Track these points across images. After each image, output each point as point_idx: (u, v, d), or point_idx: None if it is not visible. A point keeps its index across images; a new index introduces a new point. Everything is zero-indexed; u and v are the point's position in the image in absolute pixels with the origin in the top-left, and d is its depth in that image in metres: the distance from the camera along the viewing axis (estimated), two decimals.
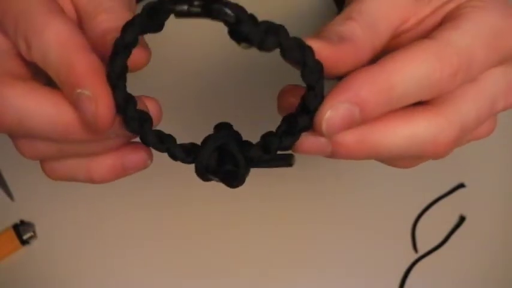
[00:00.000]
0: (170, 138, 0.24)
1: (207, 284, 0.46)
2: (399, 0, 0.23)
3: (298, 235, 0.47)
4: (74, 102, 0.21)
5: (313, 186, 0.48)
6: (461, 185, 0.48)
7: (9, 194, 0.46)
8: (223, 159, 0.24)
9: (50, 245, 0.46)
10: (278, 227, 0.47)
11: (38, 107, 0.22)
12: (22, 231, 0.45)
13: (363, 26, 0.22)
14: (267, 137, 0.24)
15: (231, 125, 0.25)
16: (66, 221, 0.46)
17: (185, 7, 0.20)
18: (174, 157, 0.24)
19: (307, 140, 0.23)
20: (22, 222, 0.46)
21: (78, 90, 0.21)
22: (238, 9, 0.20)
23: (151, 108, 0.24)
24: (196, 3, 0.20)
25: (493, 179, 0.48)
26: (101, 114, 0.21)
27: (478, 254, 0.47)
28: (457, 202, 0.48)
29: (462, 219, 0.48)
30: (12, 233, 0.45)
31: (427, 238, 0.47)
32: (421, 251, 0.47)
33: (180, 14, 0.20)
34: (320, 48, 0.22)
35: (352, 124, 0.21)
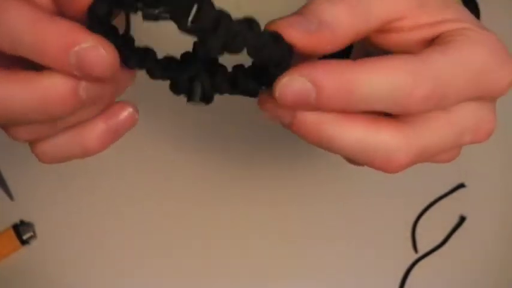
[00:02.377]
0: (172, 64, 0.23)
1: (208, 284, 0.46)
2: None
3: (298, 235, 0.47)
4: (75, 62, 0.21)
5: (312, 187, 0.48)
6: (461, 185, 0.48)
7: (9, 194, 0.46)
8: (194, 86, 0.23)
9: (50, 245, 0.46)
10: (278, 227, 0.47)
11: (24, 90, 0.21)
12: (22, 231, 0.45)
13: (351, 11, 0.22)
14: (238, 72, 0.23)
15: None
16: (66, 221, 0.46)
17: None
18: (152, 75, 0.23)
19: (268, 99, 0.23)
20: (22, 222, 0.46)
21: (77, 48, 0.20)
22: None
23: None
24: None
25: (493, 179, 0.48)
26: (110, 57, 0.21)
27: (478, 254, 0.47)
28: (457, 202, 0.48)
29: (462, 219, 0.48)
30: (12, 233, 0.45)
31: (427, 238, 0.47)
32: (421, 251, 0.47)
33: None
34: (295, 39, 0.21)
35: (304, 103, 0.21)
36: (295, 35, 0.21)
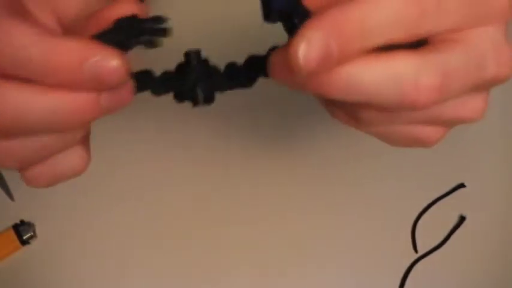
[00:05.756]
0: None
1: (209, 285, 0.46)
2: None
3: (297, 235, 0.47)
4: (91, 75, 0.21)
5: (312, 187, 0.48)
6: (461, 185, 0.48)
7: (9, 194, 0.46)
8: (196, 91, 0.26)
9: (50, 245, 0.46)
10: (278, 227, 0.47)
11: (40, 101, 0.21)
12: (22, 231, 0.45)
13: None
14: (231, 68, 0.26)
15: (199, 52, 0.25)
16: (66, 221, 0.46)
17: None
18: (156, 94, 0.25)
19: (280, 61, 0.23)
20: (22, 222, 0.46)
21: (92, 60, 0.20)
22: None
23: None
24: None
25: (493, 179, 0.48)
26: (121, 63, 0.21)
27: (478, 254, 0.47)
28: (457, 202, 0.48)
29: (462, 219, 0.48)
30: (12, 233, 0.45)
31: (427, 238, 0.47)
32: (421, 251, 0.47)
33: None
34: None
35: (329, 61, 0.20)
36: None
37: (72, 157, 0.25)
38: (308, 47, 0.20)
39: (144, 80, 0.25)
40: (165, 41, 0.24)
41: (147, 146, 0.47)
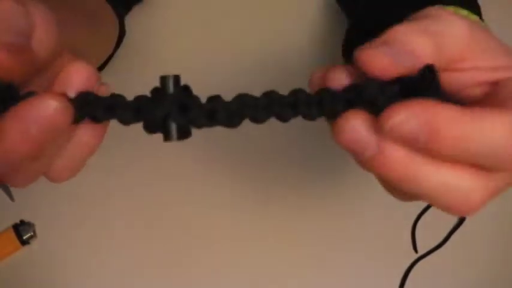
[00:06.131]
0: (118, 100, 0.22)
1: (209, 285, 0.47)
2: (473, 37, 0.22)
3: (298, 235, 0.47)
4: None
5: (312, 188, 0.48)
6: None
7: (9, 194, 0.46)
8: (168, 123, 0.21)
9: (50, 245, 0.46)
10: (278, 227, 0.47)
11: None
12: (22, 231, 0.45)
13: (435, 43, 0.21)
14: (216, 103, 0.21)
15: (178, 78, 0.22)
16: (66, 221, 0.46)
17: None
18: (124, 122, 0.22)
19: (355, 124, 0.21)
20: (22, 222, 0.46)
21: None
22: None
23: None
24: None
25: None
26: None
27: (478, 254, 0.47)
28: None
29: (462, 219, 0.48)
30: (12, 233, 0.45)
31: (427, 238, 0.47)
32: (421, 251, 0.47)
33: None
34: (382, 65, 0.21)
35: (411, 142, 0.20)
36: (384, 61, 0.21)
37: (83, 138, 0.24)
38: (406, 118, 0.20)
39: (111, 106, 0.21)
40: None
41: (148, 146, 0.47)
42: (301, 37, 0.49)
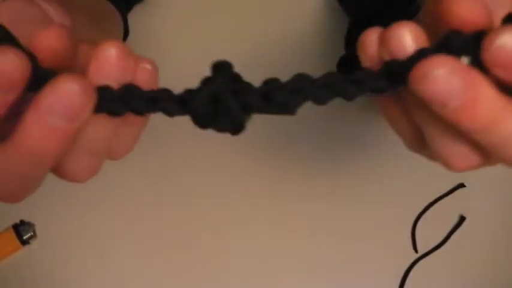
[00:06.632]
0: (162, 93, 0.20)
1: (209, 285, 0.47)
2: None
3: (298, 235, 0.47)
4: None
5: (312, 187, 0.48)
6: (461, 185, 0.48)
7: None
8: (219, 107, 0.20)
9: (50, 245, 0.46)
10: (278, 227, 0.47)
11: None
12: (22, 231, 0.45)
13: None
14: (270, 85, 0.20)
15: (230, 65, 0.20)
16: (66, 221, 0.46)
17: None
18: (168, 113, 0.20)
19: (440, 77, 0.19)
20: (22, 222, 0.46)
21: None
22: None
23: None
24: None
25: (493, 179, 0.48)
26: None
27: (478, 254, 0.47)
28: (457, 202, 0.48)
29: (462, 219, 0.48)
30: (12, 233, 0.45)
31: (427, 238, 0.47)
32: (421, 251, 0.47)
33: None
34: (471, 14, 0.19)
35: None
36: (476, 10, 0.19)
37: (97, 131, 0.23)
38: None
39: (155, 100, 0.20)
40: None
41: (148, 146, 0.47)
42: (301, 37, 0.49)
